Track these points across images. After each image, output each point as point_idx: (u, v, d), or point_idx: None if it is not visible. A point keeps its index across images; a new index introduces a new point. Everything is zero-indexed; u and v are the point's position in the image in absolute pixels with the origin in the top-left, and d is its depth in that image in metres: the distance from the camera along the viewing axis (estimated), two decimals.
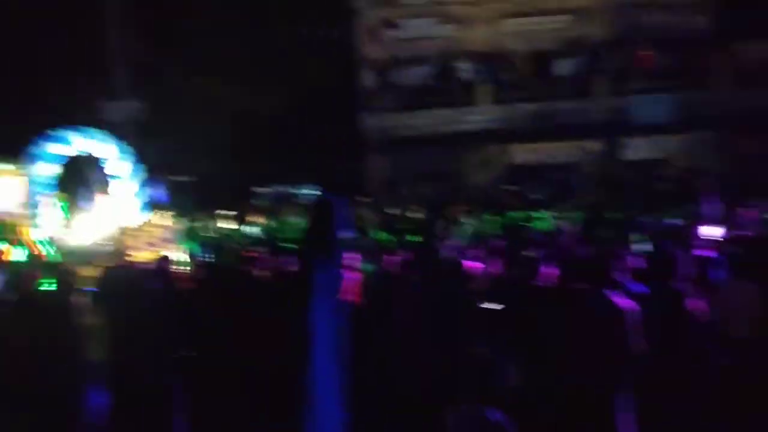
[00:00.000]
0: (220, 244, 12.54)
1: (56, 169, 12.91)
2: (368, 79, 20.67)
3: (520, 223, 11.64)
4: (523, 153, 20.56)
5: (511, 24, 20.61)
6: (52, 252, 12.25)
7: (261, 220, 15.89)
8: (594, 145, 19.99)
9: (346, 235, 2.30)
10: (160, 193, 15.73)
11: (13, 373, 8.44)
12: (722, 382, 5.81)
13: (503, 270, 7.22)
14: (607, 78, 19.55)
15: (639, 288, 6.11)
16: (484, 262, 7.21)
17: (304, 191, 22.78)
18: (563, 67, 20.03)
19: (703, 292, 6.02)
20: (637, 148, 19.67)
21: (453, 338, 5.25)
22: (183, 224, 15.15)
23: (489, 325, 5.72)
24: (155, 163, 18.83)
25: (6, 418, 5.65)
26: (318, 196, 3.17)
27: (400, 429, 5.50)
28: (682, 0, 20.33)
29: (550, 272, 6.38)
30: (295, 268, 8.55)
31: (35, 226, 12.47)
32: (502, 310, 6.09)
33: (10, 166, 13.69)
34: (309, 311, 2.09)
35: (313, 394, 2.05)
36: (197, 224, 14.55)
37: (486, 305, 5.85)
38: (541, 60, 20.30)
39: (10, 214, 13.79)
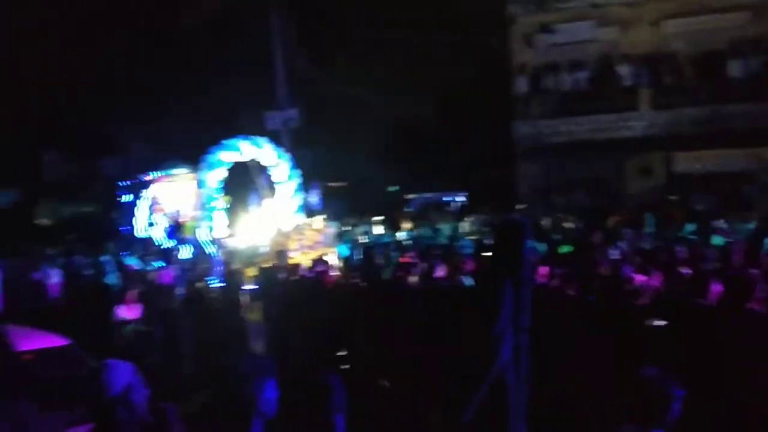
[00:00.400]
0: (371, 248, 12.81)
1: (225, 174, 13.85)
2: (522, 85, 20.31)
3: (689, 236, 10.86)
4: (687, 161, 19.28)
5: (676, 24, 19.45)
6: (219, 252, 13.14)
7: (411, 225, 16.08)
8: None
9: (531, 256, 2.31)
10: (316, 198, 16.37)
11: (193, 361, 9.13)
12: None
13: (668, 285, 6.79)
14: None
15: None
16: (647, 276, 6.82)
17: (455, 198, 22.81)
18: (735, 68, 18.56)
19: None
20: None
21: (616, 358, 5.01)
22: (336, 228, 15.69)
23: (655, 344, 5.40)
24: (311, 169, 19.69)
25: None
26: (505, 217, 3.13)
27: None
28: None
29: (719, 290, 5.92)
30: (442, 274, 8.60)
31: (205, 227, 13.44)
32: (668, 327, 5.72)
33: (185, 172, 14.88)
34: (495, 329, 2.11)
35: (499, 412, 2.07)
36: (350, 228, 14.97)
37: (652, 322, 5.52)
38: (708, 62, 18.96)
39: (184, 216, 14.98)
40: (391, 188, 25.22)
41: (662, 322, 5.86)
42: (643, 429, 3.20)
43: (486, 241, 11.88)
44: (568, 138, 19.57)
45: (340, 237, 14.51)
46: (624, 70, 19.25)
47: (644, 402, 3.21)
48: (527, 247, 2.34)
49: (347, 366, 7.56)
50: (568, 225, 15.15)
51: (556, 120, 19.80)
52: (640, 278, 6.71)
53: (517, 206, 18.22)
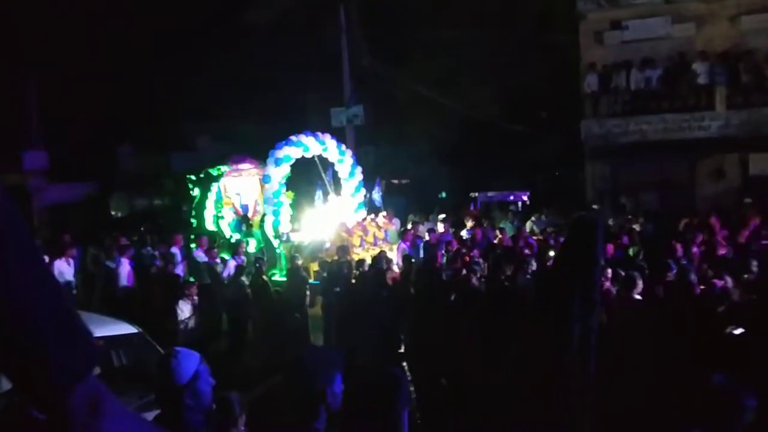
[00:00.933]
0: (434, 246, 12.77)
1: (289, 170, 14.07)
2: (591, 83, 19.85)
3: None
4: (763, 163, 18.46)
5: (754, 20, 18.64)
6: (283, 246, 13.36)
7: (474, 224, 15.96)
8: None
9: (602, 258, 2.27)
10: (378, 194, 16.45)
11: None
12: None
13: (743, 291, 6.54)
14: None
15: None
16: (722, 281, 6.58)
17: (520, 198, 22.50)
18: None
19: None
20: None
21: (689, 364, 4.86)
22: (399, 225, 15.73)
23: (730, 351, 5.22)
24: (375, 166, 19.80)
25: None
26: (579, 215, 3.04)
27: None
28: None
29: None
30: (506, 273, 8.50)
31: (271, 221, 13.68)
32: (744, 335, 5.51)
33: (252, 167, 15.18)
34: (563, 330, 2.07)
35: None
36: (412, 226, 14.97)
37: (731, 330, 5.32)
38: None
39: (250, 210, 15.30)
40: (444, 193, 25.12)
41: (739, 330, 5.64)
42: None
43: (551, 242, 11.69)
44: (638, 138, 19.01)
45: (403, 234, 14.52)
46: (699, 67, 18.56)
47: (714, 409, 3.11)
48: (600, 247, 2.28)
49: (408, 362, 7.58)
50: (636, 227, 14.73)
51: (625, 119, 19.26)
52: (719, 283, 6.48)
53: (592, 206, 17.85)
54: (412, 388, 6.79)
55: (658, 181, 19.37)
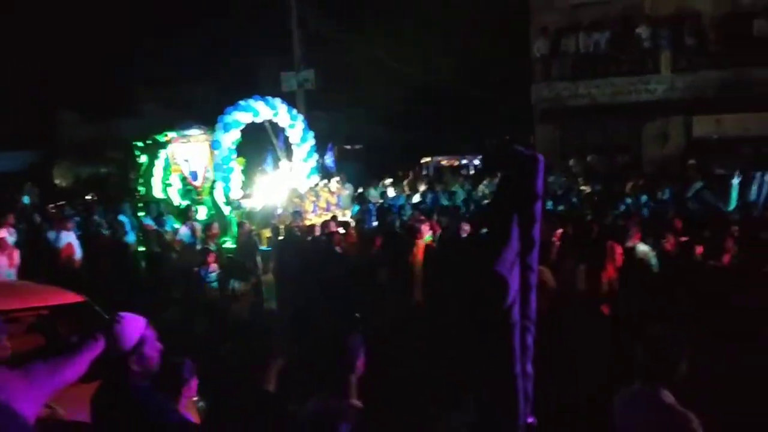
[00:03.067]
0: (386, 210, 12.81)
1: (239, 135, 13.83)
2: (541, 47, 19.96)
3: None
4: (707, 125, 18.93)
5: None
6: (234, 213, 13.21)
7: (426, 188, 16.03)
8: None
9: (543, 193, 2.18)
10: (331, 160, 16.35)
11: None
12: None
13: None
14: None
15: None
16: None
17: (471, 161, 22.67)
18: (759, 30, 18.06)
19: None
20: None
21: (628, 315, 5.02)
22: (351, 190, 15.70)
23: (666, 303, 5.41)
24: (327, 131, 19.63)
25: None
26: (518, 149, 2.93)
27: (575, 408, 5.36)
28: None
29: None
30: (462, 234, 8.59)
31: (221, 188, 13.49)
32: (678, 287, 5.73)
33: (200, 132, 14.88)
34: (500, 266, 1.99)
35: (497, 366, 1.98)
36: (365, 191, 14.97)
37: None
38: (732, 23, 18.46)
39: (199, 176, 15.03)
40: (407, 150, 25.11)
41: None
42: (650, 386, 3.21)
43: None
44: (587, 101, 19.28)
45: (355, 199, 14.51)
46: (644, 31, 18.82)
47: (652, 359, 3.22)
48: (540, 182, 2.22)
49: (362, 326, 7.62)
50: (585, 189, 15.04)
51: (575, 83, 19.49)
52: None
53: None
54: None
55: (605, 143, 19.74)
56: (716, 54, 18.37)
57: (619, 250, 6.50)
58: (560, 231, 8.12)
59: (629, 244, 7.12)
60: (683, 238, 7.42)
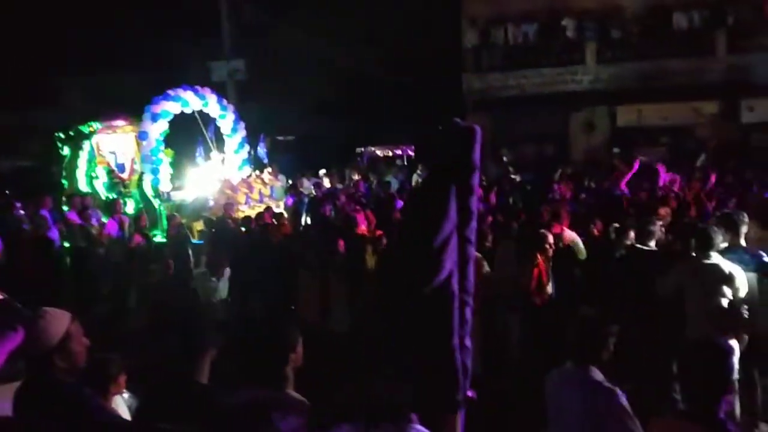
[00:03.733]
0: (320, 201, 12.73)
1: (167, 126, 13.48)
2: (471, 37, 20.21)
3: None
4: (630, 115, 19.62)
5: None
6: (164, 205, 12.88)
7: (360, 178, 16.02)
8: (711, 107, 18.78)
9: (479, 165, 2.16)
10: (263, 150, 16.14)
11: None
12: None
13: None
14: (728, 33, 18.21)
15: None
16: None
17: (406, 152, 22.78)
18: (679, 22, 18.83)
19: None
20: (761, 109, 18.30)
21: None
22: (284, 181, 15.54)
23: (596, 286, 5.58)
24: (258, 122, 19.34)
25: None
26: (454, 122, 2.88)
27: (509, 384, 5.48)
28: None
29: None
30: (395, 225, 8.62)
31: (149, 180, 13.12)
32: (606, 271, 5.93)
33: (126, 123, 14.43)
34: (436, 239, 1.97)
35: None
36: (298, 182, 14.85)
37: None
38: (653, 17, 19.18)
39: (126, 168, 14.59)
40: (341, 141, 25.03)
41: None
42: (582, 365, 3.30)
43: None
44: (517, 92, 19.66)
45: (289, 190, 14.38)
46: (571, 23, 19.32)
47: (582, 339, 3.32)
48: (477, 155, 2.20)
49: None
50: (516, 178, 15.34)
51: (505, 73, 19.84)
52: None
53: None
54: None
55: (535, 133, 20.18)
56: (638, 46, 19.03)
57: (548, 237, 6.65)
58: (490, 219, 8.28)
59: (557, 230, 7.30)
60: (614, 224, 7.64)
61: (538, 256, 6.46)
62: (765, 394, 5.46)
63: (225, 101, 15.15)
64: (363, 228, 8.74)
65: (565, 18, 19.51)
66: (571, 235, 7.42)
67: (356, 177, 16.02)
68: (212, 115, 14.61)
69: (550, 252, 6.55)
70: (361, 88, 23.71)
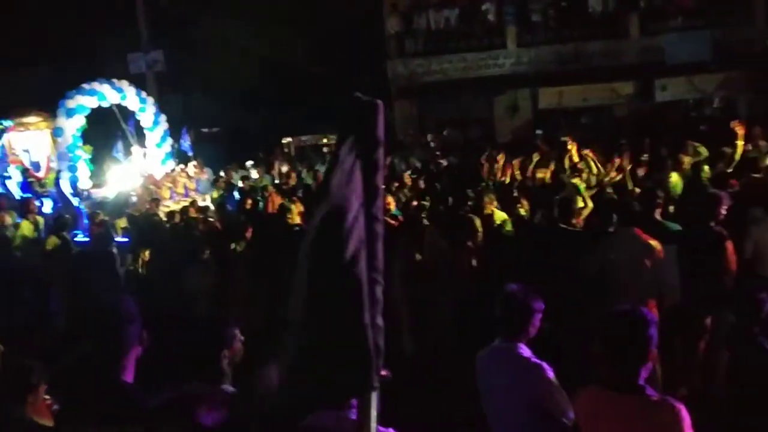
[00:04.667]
0: (248, 193, 12.54)
1: (85, 121, 12.98)
2: (394, 24, 20.23)
3: None
4: (551, 97, 20.10)
5: None
6: (84, 204, 12.42)
7: (288, 168, 15.86)
8: (627, 87, 19.45)
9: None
10: (187, 143, 15.76)
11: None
12: None
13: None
14: (640, 16, 18.86)
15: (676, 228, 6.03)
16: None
17: (333, 139, 22.64)
18: (594, 6, 19.37)
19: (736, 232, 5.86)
20: (673, 89, 19.08)
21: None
22: (210, 174, 15.23)
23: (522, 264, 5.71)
24: (181, 114, 18.86)
25: None
26: (356, 96, 2.73)
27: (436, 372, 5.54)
28: None
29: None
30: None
31: (67, 178, 12.62)
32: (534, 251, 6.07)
33: (40, 119, 13.81)
34: (346, 222, 1.93)
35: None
36: (224, 174, 14.56)
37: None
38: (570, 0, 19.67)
39: (42, 167, 13.98)
40: (267, 132, 24.69)
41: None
42: (510, 342, 3.37)
43: None
44: (441, 77, 19.82)
45: (215, 183, 14.09)
46: (491, 8, 19.59)
47: (509, 315, 3.38)
48: (381, 129, 2.14)
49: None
50: (443, 162, 15.49)
51: (428, 59, 19.96)
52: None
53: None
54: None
55: (461, 117, 20.45)
56: (557, 30, 19.48)
57: (477, 220, 6.75)
58: (415, 204, 8.34)
59: (487, 212, 7.43)
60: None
61: (467, 239, 6.55)
62: (686, 361, 5.73)
63: (144, 94, 14.71)
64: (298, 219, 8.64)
65: (485, 3, 19.76)
66: (500, 215, 7.56)
67: (285, 168, 15.84)
68: (131, 108, 14.16)
69: (479, 234, 6.64)
70: (285, 77, 23.41)
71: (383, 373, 1.97)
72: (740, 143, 9.10)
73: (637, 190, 8.02)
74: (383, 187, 2.14)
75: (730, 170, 8.40)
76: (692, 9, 18.71)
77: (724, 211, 5.67)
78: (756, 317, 4.36)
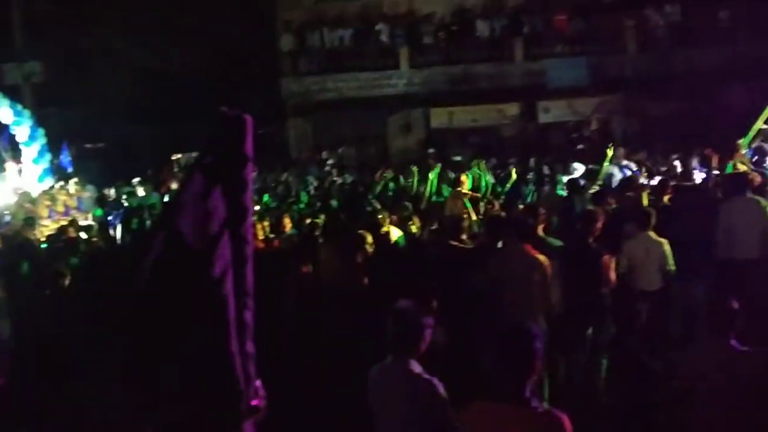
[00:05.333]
0: (133, 211, 12.02)
1: None
2: (288, 41, 20.17)
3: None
4: (442, 117, 20.66)
5: None
6: None
7: (179, 186, 15.37)
8: (513, 109, 20.30)
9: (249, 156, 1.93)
10: (66, 159, 14.97)
11: None
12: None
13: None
14: (524, 41, 19.78)
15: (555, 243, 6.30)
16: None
17: None
18: (483, 30, 20.13)
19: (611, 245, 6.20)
20: (554, 111, 20.10)
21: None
22: (92, 192, 14.51)
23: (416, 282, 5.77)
24: (61, 129, 17.88)
25: None
26: (222, 112, 2.57)
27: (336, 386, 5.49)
28: None
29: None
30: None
31: None
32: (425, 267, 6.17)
33: None
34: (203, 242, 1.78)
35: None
36: (109, 192, 13.92)
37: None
38: (459, 23, 20.33)
39: None
40: (155, 148, 23.84)
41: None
42: (401, 358, 3.39)
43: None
44: (336, 95, 19.93)
45: (99, 201, 13.43)
46: (384, 29, 19.96)
47: (400, 332, 3.40)
48: (249, 145, 1.98)
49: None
50: (337, 180, 15.52)
51: (323, 77, 20.03)
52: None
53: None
54: None
55: (355, 135, 20.61)
56: (447, 51, 20.08)
57: (367, 237, 6.77)
58: (308, 221, 8.29)
59: (384, 229, 7.48)
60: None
61: (359, 256, 6.56)
62: (569, 373, 5.97)
63: (20, 107, 13.86)
64: None
65: (378, 23, 20.10)
66: (396, 233, 7.64)
67: (174, 185, 15.32)
68: (5, 122, 13.30)
69: (371, 251, 6.67)
70: (175, 92, 22.73)
71: (254, 402, 1.85)
72: (606, 164, 9.83)
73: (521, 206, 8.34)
74: (252, 207, 1.99)
75: (596, 188, 8.91)
76: (571, 36, 19.85)
77: (599, 228, 5.99)
78: (634, 325, 4.61)
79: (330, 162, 18.90)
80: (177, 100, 22.81)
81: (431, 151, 18.32)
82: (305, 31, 20.31)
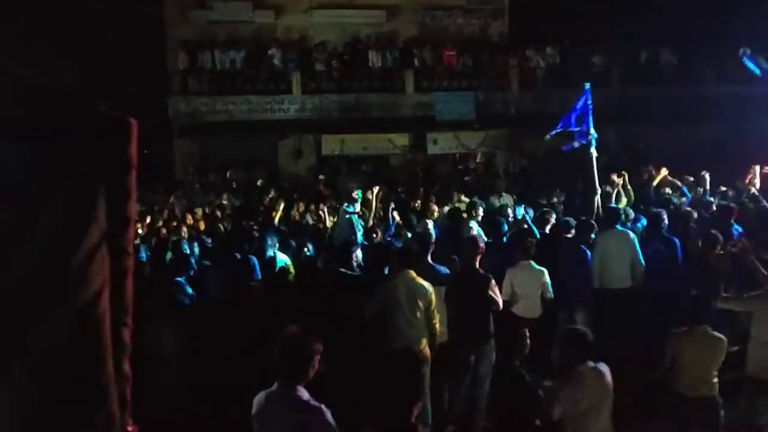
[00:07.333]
0: None
1: None
2: (178, 60, 19.66)
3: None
4: (334, 144, 20.77)
5: (325, 15, 20.71)
6: None
7: None
8: (403, 139, 20.74)
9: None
10: None
11: None
12: None
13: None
14: (415, 74, 20.31)
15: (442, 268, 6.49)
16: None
17: None
18: (375, 60, 20.50)
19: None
20: (442, 142, 20.73)
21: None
22: None
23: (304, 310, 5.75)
24: None
25: None
26: (101, 109, 2.20)
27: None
28: (482, 7, 21.77)
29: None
30: None
31: None
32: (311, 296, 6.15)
33: None
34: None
35: None
36: None
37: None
38: (352, 53, 20.61)
39: None
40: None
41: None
42: (288, 384, 3.36)
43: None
44: (226, 117, 19.59)
45: None
46: (275, 53, 19.92)
47: (288, 358, 3.39)
48: (133, 150, 1.78)
49: None
50: (226, 203, 15.21)
51: (213, 98, 19.65)
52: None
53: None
54: None
55: (245, 158, 20.32)
56: (339, 80, 20.29)
57: (255, 262, 6.70)
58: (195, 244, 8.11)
59: (270, 253, 7.41)
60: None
61: (251, 282, 6.48)
62: (453, 398, 6.11)
63: None
64: None
65: (271, 48, 20.03)
66: (282, 257, 7.58)
67: None
68: None
69: (263, 276, 6.60)
70: (55, 105, 21.55)
71: (130, 429, 1.71)
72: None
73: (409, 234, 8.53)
74: (134, 218, 1.80)
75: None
76: (459, 72, 20.63)
77: (481, 253, 6.23)
78: (518, 351, 4.81)
79: (217, 184, 18.49)
80: (57, 115, 21.63)
81: (321, 177, 18.37)
82: (196, 51, 19.89)
